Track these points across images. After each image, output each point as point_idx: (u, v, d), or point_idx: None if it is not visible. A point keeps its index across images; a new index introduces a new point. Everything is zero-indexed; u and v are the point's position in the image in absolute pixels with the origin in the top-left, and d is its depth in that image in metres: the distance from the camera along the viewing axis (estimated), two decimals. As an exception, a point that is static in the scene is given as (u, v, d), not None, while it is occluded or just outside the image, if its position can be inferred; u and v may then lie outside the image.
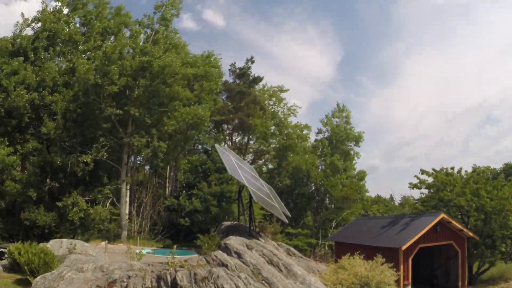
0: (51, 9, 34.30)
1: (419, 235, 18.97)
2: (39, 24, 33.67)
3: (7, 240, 27.52)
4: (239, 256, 11.25)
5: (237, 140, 45.25)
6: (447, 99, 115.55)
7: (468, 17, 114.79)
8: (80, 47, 33.51)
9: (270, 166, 43.97)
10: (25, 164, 32.75)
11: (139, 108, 29.93)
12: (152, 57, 28.78)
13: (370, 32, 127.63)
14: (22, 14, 34.06)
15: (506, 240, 22.25)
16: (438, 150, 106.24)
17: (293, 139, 42.37)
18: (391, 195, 54.34)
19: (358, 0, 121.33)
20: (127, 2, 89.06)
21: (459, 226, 20.82)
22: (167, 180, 43.13)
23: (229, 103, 42.45)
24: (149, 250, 25.09)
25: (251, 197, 15.00)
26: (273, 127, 43.08)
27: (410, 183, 25.87)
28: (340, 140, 46.13)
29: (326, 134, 47.80)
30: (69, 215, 28.01)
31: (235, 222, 19.11)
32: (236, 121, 41.90)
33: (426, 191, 26.49)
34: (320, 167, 44.35)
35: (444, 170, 25.54)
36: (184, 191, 38.03)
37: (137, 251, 15.76)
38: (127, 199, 32.07)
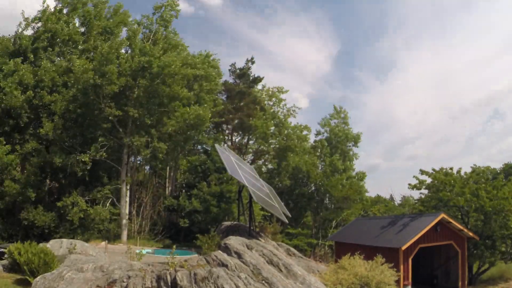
0: (52, 9, 34.35)
1: (419, 235, 18.97)
2: (39, 24, 33.70)
3: (6, 240, 27.51)
4: (239, 256, 11.25)
5: (237, 140, 45.27)
6: (448, 95, 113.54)
7: (469, 8, 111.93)
8: (80, 47, 33.52)
9: (270, 166, 43.98)
10: (24, 164, 32.73)
11: (139, 108, 29.92)
12: (151, 57, 28.77)
13: (367, 25, 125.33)
14: (23, 14, 34.11)
15: (506, 240, 22.26)
16: (440, 148, 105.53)
17: (293, 139, 42.43)
18: (391, 195, 54.46)
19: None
20: (128, 2, 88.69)
21: (459, 226, 20.82)
22: (167, 180, 43.15)
23: (229, 103, 42.46)
24: (149, 250, 25.08)
25: (251, 197, 15.00)
26: (273, 128, 43.12)
27: (410, 184, 25.89)
28: (339, 140, 46.28)
29: (325, 135, 47.97)
30: (69, 215, 27.99)
31: (235, 222, 19.11)
32: (236, 121, 41.91)
33: (426, 191, 26.52)
34: (319, 167, 44.39)
35: (444, 170, 25.54)
36: (184, 191, 38.02)
37: (137, 251, 15.75)
38: (127, 199, 32.04)
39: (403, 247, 18.29)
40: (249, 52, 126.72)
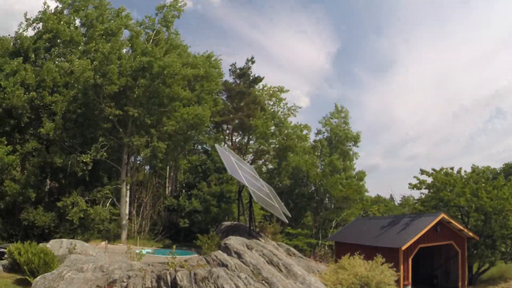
0: (53, 10, 34.36)
1: (419, 235, 18.97)
2: (40, 25, 33.72)
3: (6, 240, 27.52)
4: (239, 256, 11.25)
5: (237, 140, 45.29)
6: (449, 93, 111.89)
7: (469, 3, 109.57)
8: (81, 48, 33.52)
9: (270, 166, 43.98)
10: (24, 164, 32.75)
11: (139, 108, 29.93)
12: (153, 57, 28.78)
13: (365, 23, 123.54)
14: (25, 14, 34.12)
15: (506, 240, 22.25)
16: (441, 148, 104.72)
17: (293, 139, 42.43)
18: (391, 195, 54.43)
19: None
20: (128, 2, 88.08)
21: (459, 226, 20.82)
22: (167, 180, 43.15)
23: (229, 103, 42.47)
24: (149, 250, 25.07)
25: (251, 197, 15.00)
26: (273, 127, 43.12)
27: (410, 184, 25.90)
28: (339, 140, 46.25)
29: (326, 134, 47.95)
30: (69, 215, 27.99)
31: (235, 222, 19.11)
32: (236, 121, 41.92)
33: (426, 191, 26.51)
34: (320, 167, 44.38)
35: (444, 170, 25.55)
36: (184, 191, 38.03)
37: (137, 251, 15.75)
38: (127, 199, 32.05)
39: (403, 247, 18.29)
40: (247, 50, 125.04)
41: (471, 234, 21.04)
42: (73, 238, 24.28)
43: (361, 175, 44.89)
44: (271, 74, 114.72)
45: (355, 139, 47.18)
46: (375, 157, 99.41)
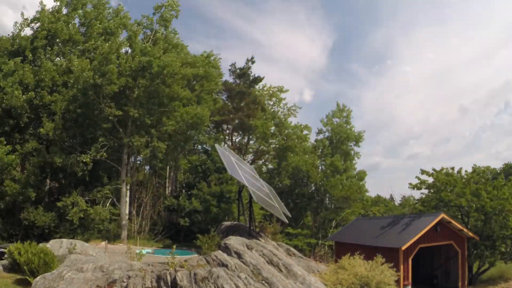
0: (50, 9, 34.37)
1: (419, 235, 18.96)
2: (38, 24, 33.70)
3: (6, 240, 27.53)
4: (239, 256, 11.24)
5: (237, 140, 45.30)
6: (451, 90, 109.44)
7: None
8: (79, 47, 33.52)
9: (270, 166, 43.98)
10: (24, 164, 32.75)
11: (139, 108, 29.93)
12: (152, 57, 28.78)
13: (361, 14, 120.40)
14: (22, 14, 34.15)
15: (506, 240, 22.24)
16: (442, 146, 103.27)
17: (293, 139, 42.40)
18: (391, 195, 54.36)
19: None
20: (130, 2, 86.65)
21: (459, 226, 20.82)
22: (167, 180, 43.15)
23: (229, 103, 42.48)
24: (149, 250, 25.08)
25: (251, 197, 15.00)
26: (273, 128, 43.10)
27: (410, 184, 25.88)
28: (340, 140, 46.14)
29: (327, 134, 47.83)
30: (69, 215, 28.00)
31: (235, 222, 19.10)
32: (236, 121, 41.92)
33: (426, 191, 26.50)
34: (320, 167, 44.36)
35: (445, 170, 25.53)
36: (184, 191, 38.03)
37: (137, 251, 15.76)
38: (127, 199, 32.06)
39: (403, 247, 18.29)
40: (239, 44, 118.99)
41: (471, 234, 21.04)
42: (73, 238, 24.29)
43: (361, 175, 44.87)
44: (262, 68, 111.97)
45: (357, 139, 47.02)
46: (375, 157, 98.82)
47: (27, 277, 11.65)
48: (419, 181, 25.59)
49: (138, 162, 41.92)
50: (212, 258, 10.74)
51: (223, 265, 10.30)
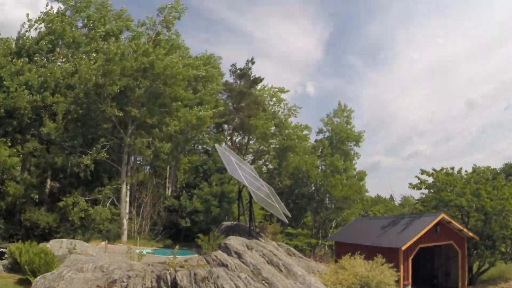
0: (55, 11, 34.45)
1: (419, 235, 18.96)
2: (43, 25, 33.82)
3: (7, 240, 27.54)
4: (239, 256, 11.26)
5: (237, 140, 45.31)
6: (452, 86, 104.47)
7: None
8: (82, 49, 33.59)
9: (270, 166, 43.97)
10: (25, 164, 32.79)
11: (140, 109, 29.97)
12: (154, 57, 28.82)
13: (360, 4, 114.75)
14: (27, 15, 34.23)
15: (506, 240, 22.24)
16: (443, 145, 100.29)
17: (293, 139, 42.39)
18: (391, 195, 54.36)
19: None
20: (131, 2, 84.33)
21: (459, 226, 20.82)
22: (167, 180, 43.17)
23: (230, 104, 42.50)
24: (149, 250, 25.09)
25: (251, 197, 15.02)
26: (273, 128, 43.11)
27: (410, 184, 25.89)
28: (340, 140, 46.12)
29: (327, 134, 47.80)
30: (70, 215, 28.03)
31: (235, 222, 19.12)
32: (237, 122, 41.94)
33: (426, 191, 26.49)
34: (320, 167, 44.34)
35: (444, 170, 25.54)
36: (184, 191, 38.06)
37: (137, 251, 15.79)
38: (127, 199, 32.09)
39: (403, 247, 18.29)
40: (231, 37, 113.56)
41: (471, 234, 21.04)
42: (73, 238, 24.29)
43: (361, 175, 44.85)
44: (256, 62, 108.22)
45: (357, 139, 47.00)
46: (375, 156, 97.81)
47: (28, 277, 11.67)
48: (419, 181, 25.61)
49: (138, 162, 41.98)
50: (212, 258, 10.77)
51: (223, 265, 10.32)
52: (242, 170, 16.45)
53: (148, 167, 44.25)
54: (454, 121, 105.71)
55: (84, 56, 30.90)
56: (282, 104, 46.62)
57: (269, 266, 11.55)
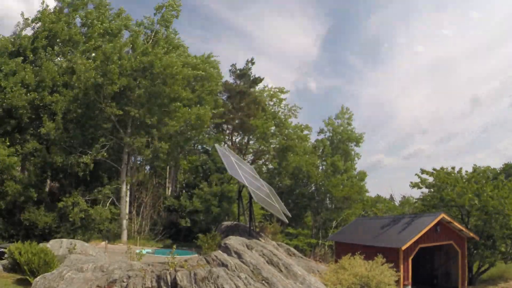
0: (52, 9, 34.41)
1: (419, 235, 18.96)
2: (39, 24, 33.74)
3: (7, 240, 27.54)
4: (239, 256, 11.25)
5: (237, 140, 45.31)
6: (453, 83, 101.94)
7: None
8: (80, 47, 33.57)
9: (270, 166, 43.99)
10: (25, 164, 32.78)
11: (140, 108, 29.95)
12: (153, 57, 28.80)
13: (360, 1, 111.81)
14: (22, 14, 34.19)
15: (506, 240, 22.25)
16: (441, 145, 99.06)
17: (293, 139, 42.42)
18: (391, 195, 54.34)
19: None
20: (131, 2, 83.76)
21: (459, 226, 20.81)
22: (167, 180, 43.18)
23: (230, 104, 42.49)
24: (149, 250, 25.08)
25: (251, 197, 15.01)
26: (273, 128, 43.13)
27: (411, 182, 25.91)
28: (341, 140, 46.22)
29: (328, 134, 47.88)
30: (70, 215, 28.03)
31: (235, 222, 19.12)
32: (236, 121, 41.95)
33: (426, 190, 26.50)
34: (320, 167, 44.36)
35: (445, 170, 25.55)
36: (184, 191, 38.06)
37: (137, 251, 15.76)
38: (127, 199, 32.07)
39: (403, 247, 18.29)
40: (226, 34, 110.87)
41: (471, 234, 21.03)
42: (73, 238, 24.28)
43: (362, 175, 44.90)
44: (255, 60, 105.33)
45: (357, 140, 47.12)
46: (375, 155, 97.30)
47: (27, 277, 11.66)
48: (420, 179, 25.62)
49: (138, 162, 41.97)
50: (212, 258, 10.75)
51: (223, 265, 10.31)
52: (242, 170, 16.44)
53: (148, 167, 44.28)
54: (454, 120, 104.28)
55: (81, 55, 30.79)
56: (282, 104, 46.67)
57: (269, 266, 11.54)
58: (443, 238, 20.45)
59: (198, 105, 33.36)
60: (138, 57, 29.26)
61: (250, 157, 44.47)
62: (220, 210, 32.39)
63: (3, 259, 14.12)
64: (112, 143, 31.38)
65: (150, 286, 9.58)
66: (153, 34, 33.43)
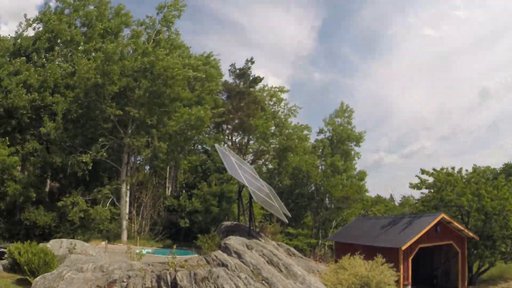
0: (53, 10, 34.46)
1: (419, 235, 18.97)
2: (40, 25, 33.78)
3: (7, 240, 27.55)
4: (239, 256, 11.25)
5: (237, 140, 45.30)
6: (454, 79, 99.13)
7: None
8: (81, 48, 33.58)
9: (270, 166, 43.98)
10: (25, 164, 32.79)
11: (140, 108, 29.95)
12: (155, 57, 28.80)
13: None
14: (25, 15, 34.22)
15: (506, 240, 22.25)
16: (441, 144, 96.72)
17: (293, 139, 42.41)
18: (391, 195, 54.37)
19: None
20: (131, 2, 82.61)
21: (459, 226, 20.82)
22: (167, 180, 43.17)
23: (229, 103, 42.49)
24: (149, 250, 25.08)
25: (251, 197, 15.01)
26: (273, 128, 43.12)
27: (411, 183, 25.91)
28: (341, 140, 46.15)
29: (327, 134, 47.82)
30: (69, 215, 28.02)
31: (235, 222, 19.11)
32: (236, 121, 41.95)
33: (426, 191, 26.50)
34: (320, 167, 44.34)
35: (445, 170, 25.55)
36: (184, 191, 38.06)
37: (137, 251, 15.76)
38: (127, 199, 32.06)
39: (403, 247, 18.29)
40: (217, 26, 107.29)
41: (471, 234, 21.04)
42: (73, 238, 24.28)
43: (361, 175, 44.88)
44: (244, 53, 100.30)
45: (357, 140, 47.03)
46: (375, 154, 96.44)
47: (27, 277, 11.65)
48: (419, 180, 25.63)
49: (138, 162, 41.97)
50: (212, 258, 10.75)
51: (223, 265, 10.31)
52: (242, 170, 16.43)
53: (148, 167, 44.28)
54: (455, 119, 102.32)
55: (82, 55, 30.82)
56: (282, 104, 46.64)
57: (269, 266, 11.54)
58: (443, 238, 20.46)
59: (198, 105, 33.36)
60: (139, 57, 29.26)
61: (250, 157, 44.45)
62: (219, 210, 32.39)
63: (3, 259, 14.13)
64: (112, 143, 31.38)
65: (150, 286, 9.58)
66: (154, 34, 33.40)
